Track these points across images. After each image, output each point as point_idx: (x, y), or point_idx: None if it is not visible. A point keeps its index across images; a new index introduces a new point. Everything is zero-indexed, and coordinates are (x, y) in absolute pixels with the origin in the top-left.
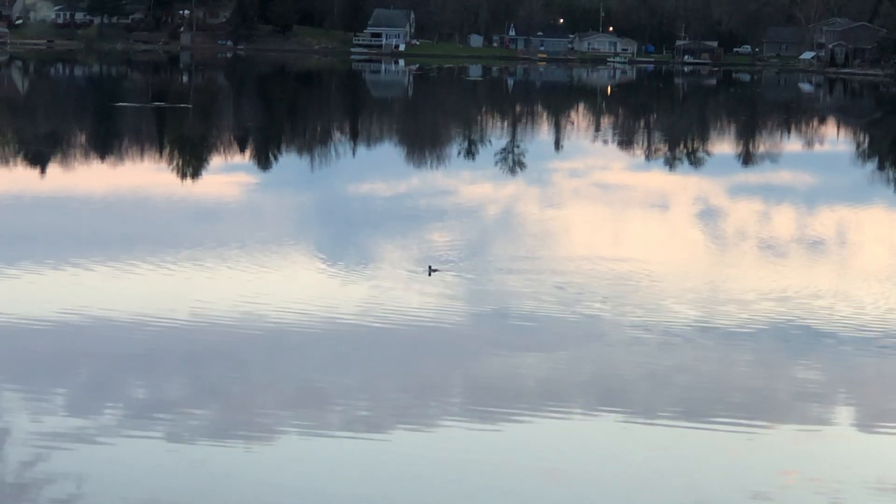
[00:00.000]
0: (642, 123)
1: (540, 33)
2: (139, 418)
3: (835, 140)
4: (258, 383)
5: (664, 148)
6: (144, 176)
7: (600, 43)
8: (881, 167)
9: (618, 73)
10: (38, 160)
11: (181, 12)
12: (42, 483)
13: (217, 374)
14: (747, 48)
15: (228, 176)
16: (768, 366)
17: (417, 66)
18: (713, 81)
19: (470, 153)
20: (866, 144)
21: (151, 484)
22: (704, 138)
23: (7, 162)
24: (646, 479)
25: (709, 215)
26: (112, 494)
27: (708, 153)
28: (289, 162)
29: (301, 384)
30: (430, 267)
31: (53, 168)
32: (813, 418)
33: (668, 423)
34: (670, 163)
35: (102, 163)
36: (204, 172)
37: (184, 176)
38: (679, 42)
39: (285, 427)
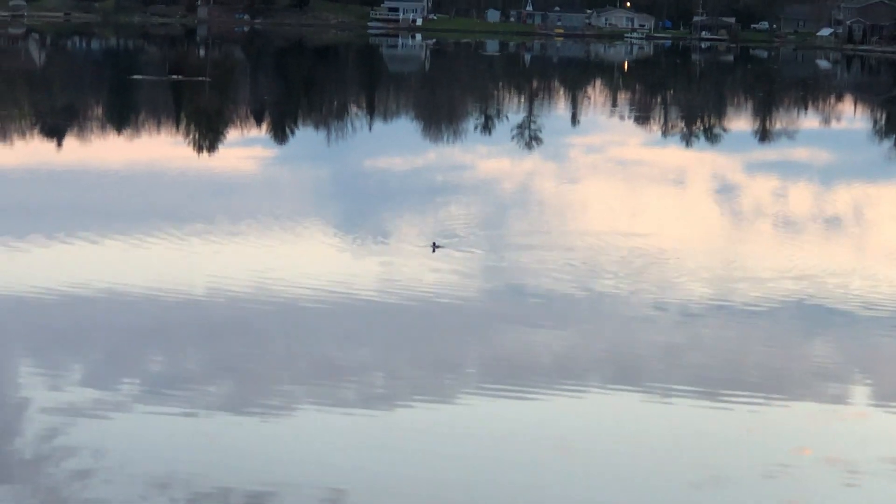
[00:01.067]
0: (659, 99)
1: (557, 8)
2: (155, 392)
3: (852, 117)
4: (274, 357)
5: (681, 124)
6: (161, 149)
7: (618, 18)
8: None
9: (635, 48)
10: (55, 133)
11: None
12: (59, 456)
13: (232, 348)
14: (765, 24)
15: (245, 150)
16: (784, 343)
17: (434, 40)
18: (730, 58)
19: (486, 128)
20: (884, 121)
21: (167, 456)
22: (721, 114)
23: (24, 134)
24: (660, 455)
25: (725, 192)
26: (129, 467)
27: (724, 129)
28: (305, 136)
29: (316, 358)
30: (433, 243)
31: (70, 141)
32: (829, 396)
33: (683, 399)
34: (687, 139)
35: (119, 136)
36: (220, 146)
37: (200, 149)
38: (696, 18)
39: (301, 401)
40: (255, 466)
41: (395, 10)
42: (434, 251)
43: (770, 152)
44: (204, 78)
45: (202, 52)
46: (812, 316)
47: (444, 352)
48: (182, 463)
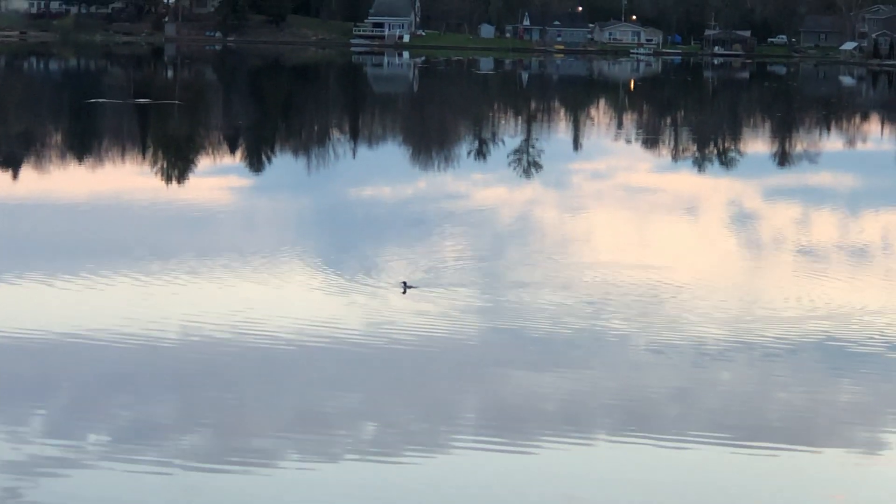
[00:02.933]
0: (669, 121)
1: (557, 23)
2: (126, 444)
3: (879, 138)
4: (254, 405)
5: (693, 147)
6: (126, 180)
7: (623, 33)
8: None
9: (642, 65)
10: (10, 163)
11: (165, 1)
12: None
13: (209, 395)
14: (783, 38)
15: (218, 179)
16: (810, 386)
17: (423, 58)
18: (746, 74)
19: (481, 154)
20: None
21: None
22: (736, 137)
23: None
24: None
25: (742, 221)
26: None
27: (740, 153)
28: (284, 164)
29: (301, 405)
30: (404, 283)
31: (26, 172)
32: (860, 442)
33: (701, 448)
34: (700, 164)
35: (80, 165)
36: (191, 176)
37: (169, 180)
38: (709, 32)
39: (285, 452)
40: None
41: (381, 25)
42: (405, 292)
43: (790, 177)
44: (174, 101)
45: (170, 74)
46: (838, 356)
47: (439, 399)
48: None
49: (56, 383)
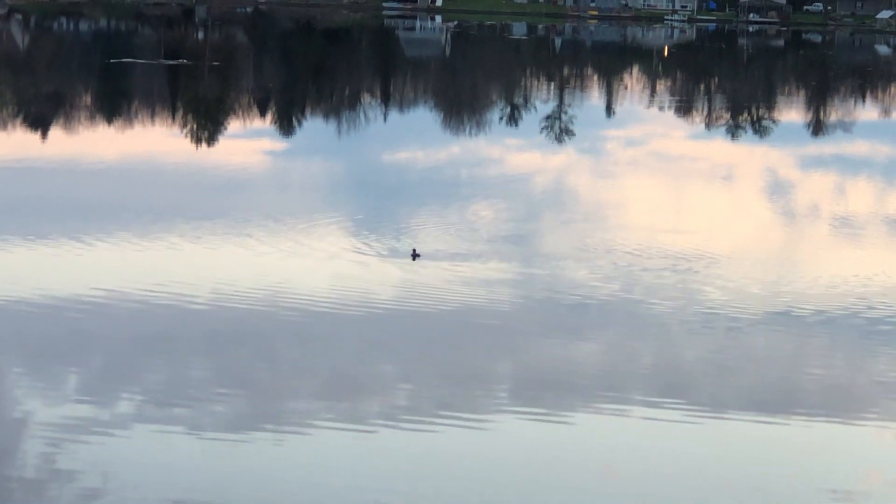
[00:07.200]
0: (703, 88)
1: None
2: (159, 408)
3: None
4: (288, 370)
5: (727, 115)
6: (157, 141)
7: None
8: None
9: (676, 32)
10: (40, 123)
11: None
12: (60, 478)
13: (243, 359)
14: (818, 6)
15: (248, 142)
16: (848, 356)
17: (456, 23)
18: (781, 42)
19: (513, 119)
20: None
21: (174, 478)
22: (771, 105)
23: (6, 125)
24: (712, 478)
25: (777, 190)
26: (133, 489)
27: (775, 121)
28: (314, 127)
29: (335, 371)
30: (413, 251)
31: (56, 132)
32: None
33: (737, 418)
34: (733, 131)
35: (110, 127)
36: (221, 138)
37: (199, 142)
38: None
39: (318, 418)
40: (270, 488)
41: None
42: (414, 259)
43: (825, 146)
44: (202, 63)
45: (201, 35)
46: (877, 326)
47: (474, 367)
48: (190, 483)
49: (88, 346)
